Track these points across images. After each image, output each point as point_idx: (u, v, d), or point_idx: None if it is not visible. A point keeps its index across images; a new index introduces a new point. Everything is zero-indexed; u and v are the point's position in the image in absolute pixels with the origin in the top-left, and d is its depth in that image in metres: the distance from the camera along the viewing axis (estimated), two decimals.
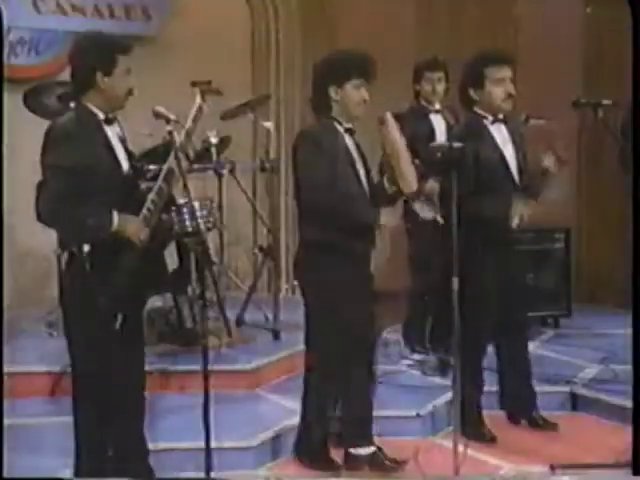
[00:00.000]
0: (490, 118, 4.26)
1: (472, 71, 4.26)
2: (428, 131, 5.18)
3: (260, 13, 7.05)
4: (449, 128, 5.21)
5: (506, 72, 4.21)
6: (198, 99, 3.63)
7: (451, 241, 3.80)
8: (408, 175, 3.85)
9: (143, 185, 3.48)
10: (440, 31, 7.04)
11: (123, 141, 3.52)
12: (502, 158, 4.25)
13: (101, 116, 3.43)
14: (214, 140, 5.33)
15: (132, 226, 3.35)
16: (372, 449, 3.97)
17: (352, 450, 3.98)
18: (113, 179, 3.40)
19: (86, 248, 3.32)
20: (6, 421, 3.51)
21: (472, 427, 4.34)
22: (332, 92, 3.86)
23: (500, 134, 4.28)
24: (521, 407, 4.59)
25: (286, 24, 7.07)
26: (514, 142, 4.30)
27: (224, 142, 5.55)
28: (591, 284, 6.91)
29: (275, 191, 5.81)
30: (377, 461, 3.97)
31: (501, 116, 4.28)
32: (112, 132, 3.47)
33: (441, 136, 5.13)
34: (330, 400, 4.02)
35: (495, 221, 4.20)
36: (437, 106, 5.30)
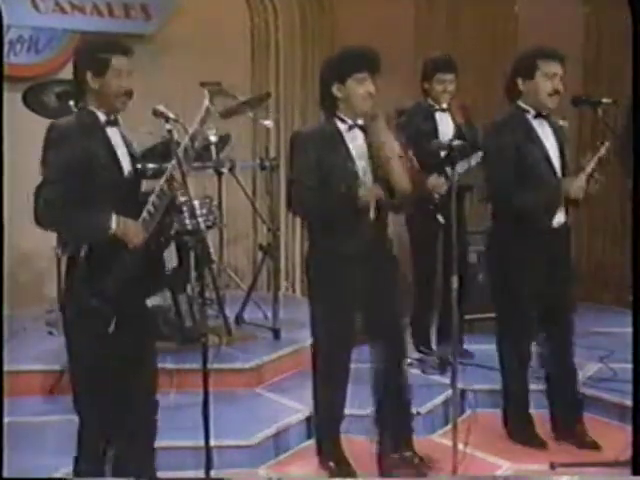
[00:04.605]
0: (532, 112, 4.21)
1: (524, 62, 4.20)
2: (432, 129, 5.18)
3: (260, 12, 7.05)
4: (457, 127, 5.22)
5: (558, 69, 4.16)
6: (206, 101, 3.54)
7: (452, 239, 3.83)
8: (400, 176, 3.83)
9: (144, 187, 3.45)
10: (439, 31, 7.05)
11: (127, 143, 3.48)
12: (545, 154, 4.20)
13: (102, 117, 3.39)
14: (214, 138, 5.33)
15: (131, 229, 3.30)
16: None
17: None
18: (113, 181, 3.36)
19: (82, 252, 3.28)
20: (6, 419, 3.51)
21: (521, 430, 4.34)
22: (335, 90, 3.84)
23: (543, 130, 4.22)
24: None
25: (286, 24, 7.08)
26: (557, 140, 4.26)
27: (224, 140, 5.56)
28: (590, 282, 6.91)
29: (275, 189, 5.80)
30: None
31: (544, 112, 4.22)
32: (114, 133, 3.43)
33: (445, 135, 5.13)
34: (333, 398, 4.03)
35: (537, 215, 4.16)
36: (444, 105, 5.31)
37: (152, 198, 3.37)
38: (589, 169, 4.13)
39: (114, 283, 3.30)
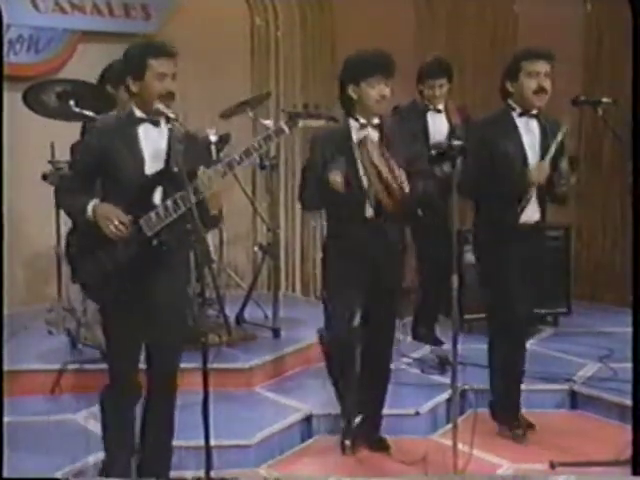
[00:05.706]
0: (518, 110, 4.25)
1: (510, 65, 4.27)
2: (422, 129, 5.24)
3: (260, 12, 7.05)
4: (452, 128, 5.25)
5: (542, 67, 4.19)
6: (283, 125, 3.61)
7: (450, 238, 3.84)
8: (383, 195, 3.92)
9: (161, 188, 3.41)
10: (439, 30, 7.05)
11: (172, 143, 3.40)
12: (521, 150, 4.23)
13: (138, 114, 3.42)
14: (213, 138, 5.32)
15: (102, 213, 3.32)
16: None
17: None
18: (127, 177, 3.37)
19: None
20: (6, 419, 3.51)
21: (508, 425, 4.39)
22: (350, 91, 3.96)
23: (527, 129, 4.25)
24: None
25: (286, 24, 7.07)
26: (544, 141, 4.26)
27: (224, 140, 5.55)
28: (590, 282, 6.91)
29: (275, 189, 5.81)
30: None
31: (534, 112, 4.25)
32: (151, 132, 3.41)
33: (436, 135, 5.19)
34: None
35: (507, 212, 4.18)
36: (439, 107, 5.35)
37: (168, 202, 3.36)
38: (550, 155, 4.16)
39: (99, 272, 3.36)
